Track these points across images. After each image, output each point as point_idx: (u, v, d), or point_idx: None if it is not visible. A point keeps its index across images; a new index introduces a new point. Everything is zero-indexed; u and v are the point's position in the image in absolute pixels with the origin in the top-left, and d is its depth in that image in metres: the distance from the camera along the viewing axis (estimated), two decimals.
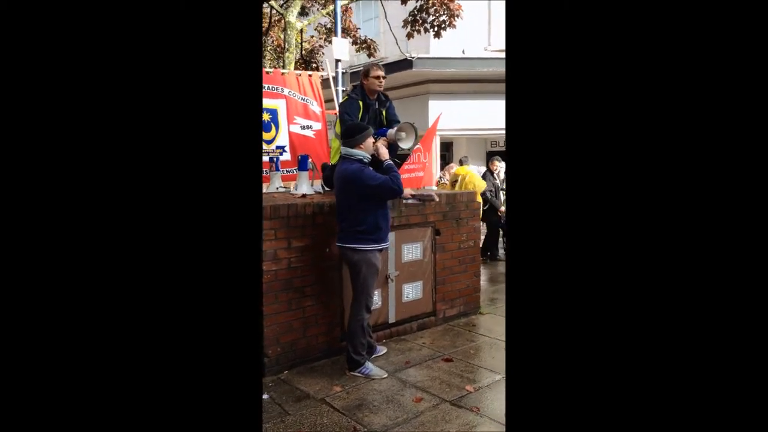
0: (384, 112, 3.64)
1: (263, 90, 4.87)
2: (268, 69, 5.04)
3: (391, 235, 3.63)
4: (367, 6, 11.60)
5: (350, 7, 10.65)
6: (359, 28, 10.22)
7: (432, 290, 3.98)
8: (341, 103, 3.70)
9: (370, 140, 2.93)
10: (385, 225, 2.92)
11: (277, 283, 3.05)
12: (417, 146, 6.21)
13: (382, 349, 3.36)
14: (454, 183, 6.53)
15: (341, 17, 10.06)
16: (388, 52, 10.19)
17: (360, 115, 3.51)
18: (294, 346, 3.17)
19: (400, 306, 3.76)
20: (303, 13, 8.23)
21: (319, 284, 3.25)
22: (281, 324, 3.09)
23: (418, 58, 9.24)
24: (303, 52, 10.08)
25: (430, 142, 6.16)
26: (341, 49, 5.16)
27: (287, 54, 6.90)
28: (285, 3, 7.76)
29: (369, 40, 9.55)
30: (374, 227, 2.86)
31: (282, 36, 7.63)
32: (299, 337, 3.19)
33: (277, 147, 4.93)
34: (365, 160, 2.90)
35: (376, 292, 3.60)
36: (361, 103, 3.50)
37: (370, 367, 3.00)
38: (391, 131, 3.25)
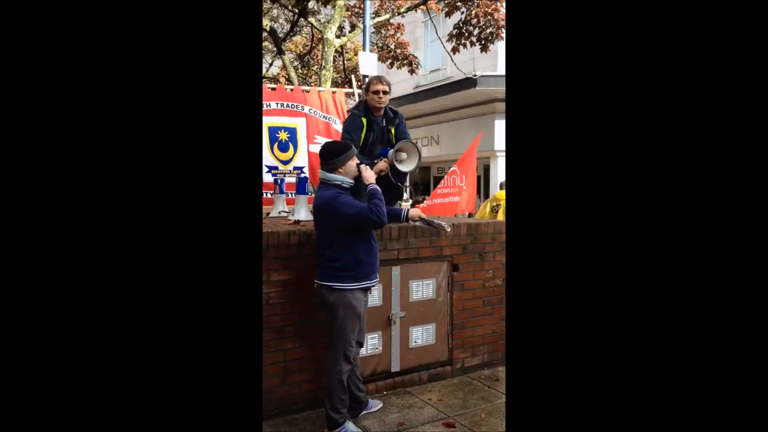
0: (393, 130, 3.22)
1: (282, 108, 4.63)
2: (288, 87, 4.81)
3: (396, 270, 3.17)
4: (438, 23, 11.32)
5: (402, 24, 10.43)
6: (399, 43, 9.94)
7: (448, 335, 3.43)
8: (344, 120, 3.34)
9: (352, 163, 2.49)
10: (368, 260, 2.46)
11: None
12: (453, 168, 5.71)
13: (376, 404, 2.87)
14: (495, 210, 5.91)
15: (391, 33, 9.90)
16: (455, 71, 9.85)
17: (363, 134, 3.11)
18: (270, 394, 2.75)
19: (406, 352, 3.26)
20: (342, 30, 8.08)
21: (304, 324, 2.83)
22: None
23: (482, 76, 8.95)
24: (345, 68, 9.97)
25: (469, 163, 5.62)
26: (368, 64, 4.84)
27: (324, 72, 6.72)
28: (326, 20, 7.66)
29: (411, 57, 9.22)
30: (354, 263, 2.41)
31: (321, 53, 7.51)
32: (277, 384, 2.78)
33: (295, 168, 4.64)
34: (344, 185, 2.47)
35: (375, 336, 3.13)
36: (364, 120, 3.10)
37: (351, 428, 2.51)
38: (391, 152, 2.82)
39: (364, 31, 5.28)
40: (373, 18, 8.07)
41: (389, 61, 9.43)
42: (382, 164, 2.95)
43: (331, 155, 2.47)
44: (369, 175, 2.51)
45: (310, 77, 10.58)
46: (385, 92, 3.04)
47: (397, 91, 13.41)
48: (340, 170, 2.47)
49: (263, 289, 2.70)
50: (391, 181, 3.07)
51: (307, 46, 10.13)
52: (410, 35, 11.92)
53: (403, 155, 2.91)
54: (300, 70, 10.33)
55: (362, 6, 8.91)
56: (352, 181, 2.51)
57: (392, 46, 9.87)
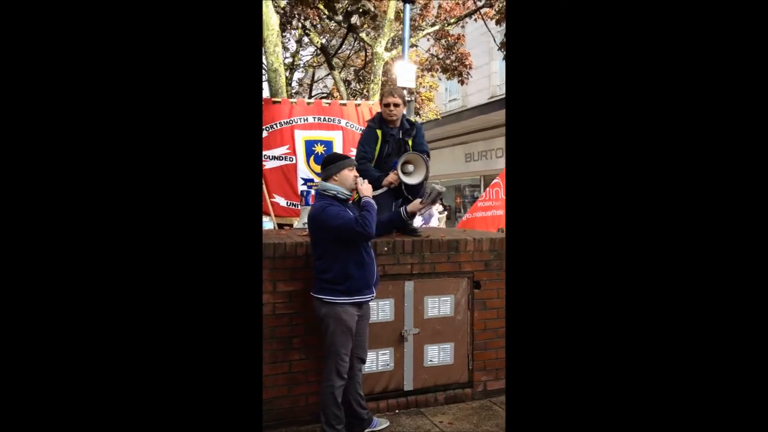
0: (410, 142, 3.16)
1: (319, 122, 4.73)
2: (325, 101, 4.91)
3: (409, 285, 3.08)
4: None
5: (463, 35, 10.32)
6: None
7: (468, 356, 3.28)
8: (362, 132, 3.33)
9: (348, 172, 2.47)
10: (359, 273, 2.40)
11: None
12: (496, 180, 5.49)
13: (381, 423, 2.79)
14: None
15: (453, 44, 9.81)
16: None
17: (378, 146, 3.08)
18: (275, 405, 2.77)
19: (420, 371, 3.15)
20: (393, 43, 8.14)
21: (311, 335, 2.82)
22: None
23: None
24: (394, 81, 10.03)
25: None
26: (406, 75, 4.82)
27: (372, 85, 6.79)
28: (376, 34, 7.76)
29: (461, 67, 9.07)
30: (342, 276, 2.37)
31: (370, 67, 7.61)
32: (283, 394, 2.79)
33: None
34: (340, 195, 2.45)
35: (386, 352, 3.06)
36: (379, 132, 3.08)
37: None
38: (398, 163, 2.76)
39: (403, 42, 5.28)
40: (423, 29, 8.07)
41: (439, 71, 9.35)
42: (391, 176, 2.91)
43: (326, 164, 2.49)
44: (365, 189, 2.48)
45: (366, 92, 10.79)
46: (396, 105, 3.00)
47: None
48: (334, 179, 2.46)
49: (270, 300, 2.74)
50: (409, 195, 3.01)
51: (362, 61, 10.35)
52: (485, 46, 11.74)
53: (410, 167, 2.84)
54: (355, 85, 10.55)
55: (417, 18, 8.97)
56: (349, 192, 2.49)
57: (452, 57, 9.81)
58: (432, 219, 11.55)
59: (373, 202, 2.44)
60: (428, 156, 3.14)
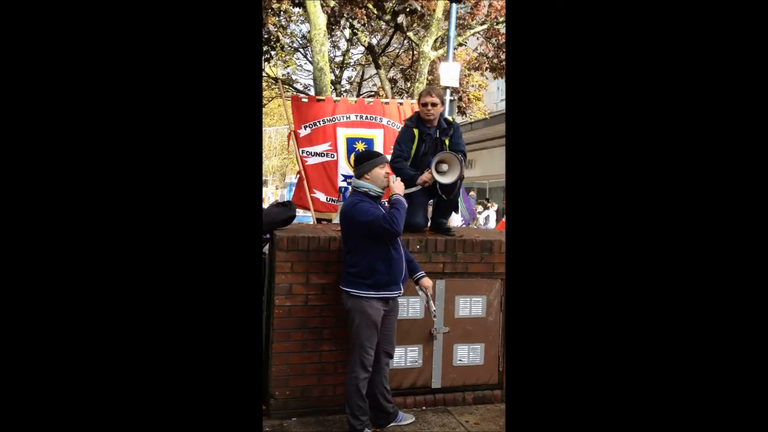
0: (447, 141, 3.17)
1: (361, 120, 4.81)
2: (368, 100, 4.98)
3: (441, 284, 3.10)
4: None
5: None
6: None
7: (499, 357, 3.26)
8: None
9: (379, 170, 2.52)
10: (385, 269, 2.45)
11: (291, 321, 2.82)
12: None
13: (407, 418, 2.83)
14: None
15: (503, 43, 9.65)
16: None
17: (415, 145, 3.11)
18: (306, 392, 2.87)
19: (448, 369, 3.16)
20: (441, 42, 8.10)
21: (342, 328, 2.90)
22: (292, 365, 2.84)
23: None
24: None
25: None
26: (450, 75, 4.81)
27: (417, 84, 6.81)
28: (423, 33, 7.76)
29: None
30: (369, 270, 2.42)
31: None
32: (313, 383, 2.88)
33: None
34: (371, 193, 2.50)
35: (415, 349, 3.09)
36: (416, 131, 3.11)
37: None
38: (433, 162, 2.78)
39: (448, 41, 5.27)
40: (473, 28, 7.98)
41: (487, 70, 9.22)
42: (425, 176, 2.93)
43: (359, 162, 2.56)
44: (397, 186, 2.52)
45: (412, 90, 10.82)
46: (433, 104, 3.01)
47: None
48: (366, 176, 2.52)
49: (303, 291, 2.84)
50: (443, 195, 3.02)
51: (410, 59, 10.38)
52: None
53: (445, 167, 2.85)
54: (402, 84, 10.59)
55: (467, 17, 8.88)
56: (381, 190, 2.54)
57: (501, 56, 9.65)
58: (490, 221, 11.39)
59: (403, 200, 2.48)
60: (465, 156, 3.14)
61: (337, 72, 12.41)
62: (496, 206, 12.43)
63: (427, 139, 3.11)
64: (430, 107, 3.00)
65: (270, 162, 28.32)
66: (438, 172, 2.85)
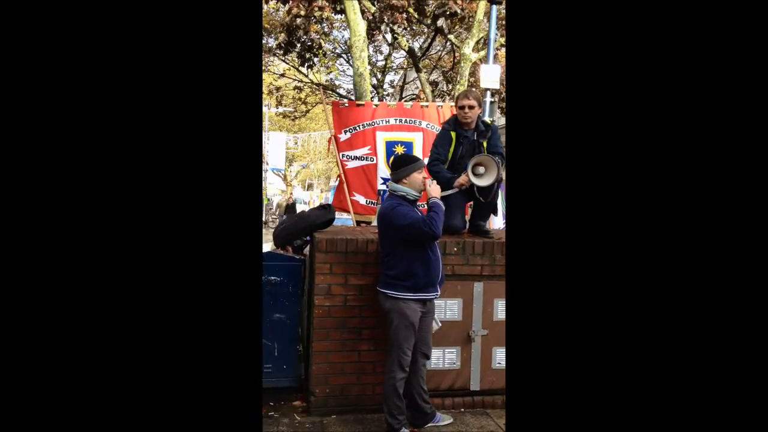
0: (485, 143, 3.17)
1: (400, 124, 4.86)
2: (407, 103, 5.02)
3: (479, 286, 3.09)
4: None
5: None
6: None
7: None
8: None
9: (417, 175, 2.55)
10: (423, 271, 2.47)
11: (330, 320, 2.90)
12: None
13: (444, 419, 2.84)
14: None
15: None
16: None
17: (452, 148, 3.13)
18: (345, 390, 2.94)
19: (487, 372, 3.14)
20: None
21: (380, 329, 2.95)
22: (332, 364, 2.92)
23: None
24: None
25: None
26: (491, 77, 4.77)
27: (458, 86, 6.79)
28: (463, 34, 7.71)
29: None
30: (407, 273, 2.46)
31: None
32: (352, 382, 2.95)
33: None
34: (409, 197, 2.53)
35: (453, 351, 3.10)
36: (453, 134, 3.12)
37: None
38: (469, 165, 2.78)
39: (488, 43, 5.22)
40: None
41: None
42: (462, 178, 2.94)
43: (396, 166, 2.60)
44: (433, 190, 2.55)
45: (453, 93, 10.76)
46: (470, 107, 3.02)
47: None
48: (404, 181, 2.55)
49: (342, 292, 2.92)
50: (480, 197, 3.02)
51: (451, 62, 10.34)
52: None
53: (482, 169, 2.84)
54: (443, 86, 10.56)
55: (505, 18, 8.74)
56: (418, 194, 2.57)
57: None
58: None
59: (440, 203, 2.50)
60: (503, 158, 3.12)
61: (379, 76, 12.53)
62: None
63: (464, 142, 3.12)
64: (467, 110, 3.01)
65: (315, 166, 28.96)
66: (474, 174, 2.85)
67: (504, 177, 3.32)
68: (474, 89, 3.30)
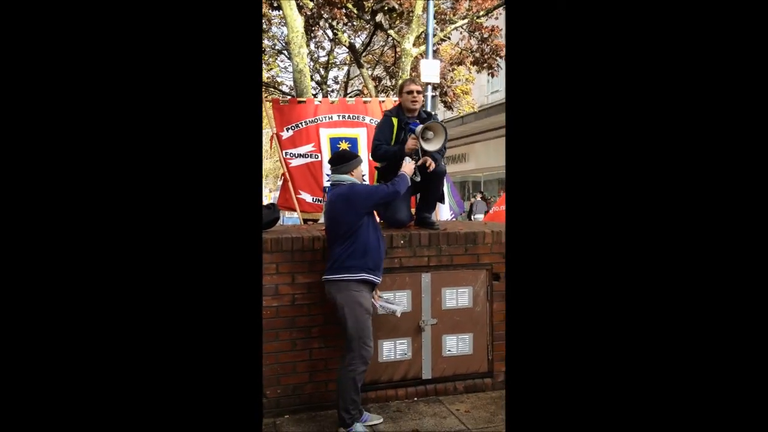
0: None
1: (344, 120, 4.85)
2: (350, 99, 5.02)
3: (426, 277, 3.15)
4: None
5: (497, 27, 10.19)
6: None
7: (488, 347, 3.31)
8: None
9: (360, 170, 2.73)
10: (375, 252, 2.59)
11: (279, 320, 2.86)
12: None
13: (373, 418, 2.78)
14: None
15: (487, 37, 9.71)
16: None
17: (394, 134, 3.16)
18: (298, 390, 2.92)
19: (438, 360, 3.21)
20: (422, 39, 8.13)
21: (331, 325, 2.94)
22: (283, 364, 2.88)
23: None
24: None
25: None
26: (431, 72, 4.85)
27: (400, 81, 6.84)
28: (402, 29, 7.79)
29: (491, 59, 8.92)
30: (362, 250, 2.55)
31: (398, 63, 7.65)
32: (305, 381, 2.93)
33: None
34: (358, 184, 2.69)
35: (404, 341, 3.14)
36: (395, 120, 3.16)
37: (358, 429, 2.56)
38: (419, 128, 2.86)
39: (426, 38, 5.30)
40: (455, 23, 8.01)
41: (470, 63, 9.26)
42: (410, 142, 2.96)
43: (340, 161, 2.70)
44: (407, 169, 2.81)
45: (396, 88, 10.87)
46: (419, 92, 3.08)
47: None
48: (352, 173, 2.67)
49: (290, 291, 2.88)
50: (432, 188, 3.11)
51: (393, 57, 10.42)
52: None
53: (430, 134, 2.92)
54: (386, 81, 10.63)
55: (449, 12, 8.92)
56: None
57: (486, 49, 9.71)
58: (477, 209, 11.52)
59: (407, 176, 2.75)
60: (443, 152, 3.20)
61: (322, 72, 12.42)
62: (479, 197, 12.64)
63: (406, 128, 3.16)
64: (416, 95, 3.07)
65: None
66: (424, 139, 2.91)
67: (446, 170, 3.40)
68: (419, 78, 3.35)
